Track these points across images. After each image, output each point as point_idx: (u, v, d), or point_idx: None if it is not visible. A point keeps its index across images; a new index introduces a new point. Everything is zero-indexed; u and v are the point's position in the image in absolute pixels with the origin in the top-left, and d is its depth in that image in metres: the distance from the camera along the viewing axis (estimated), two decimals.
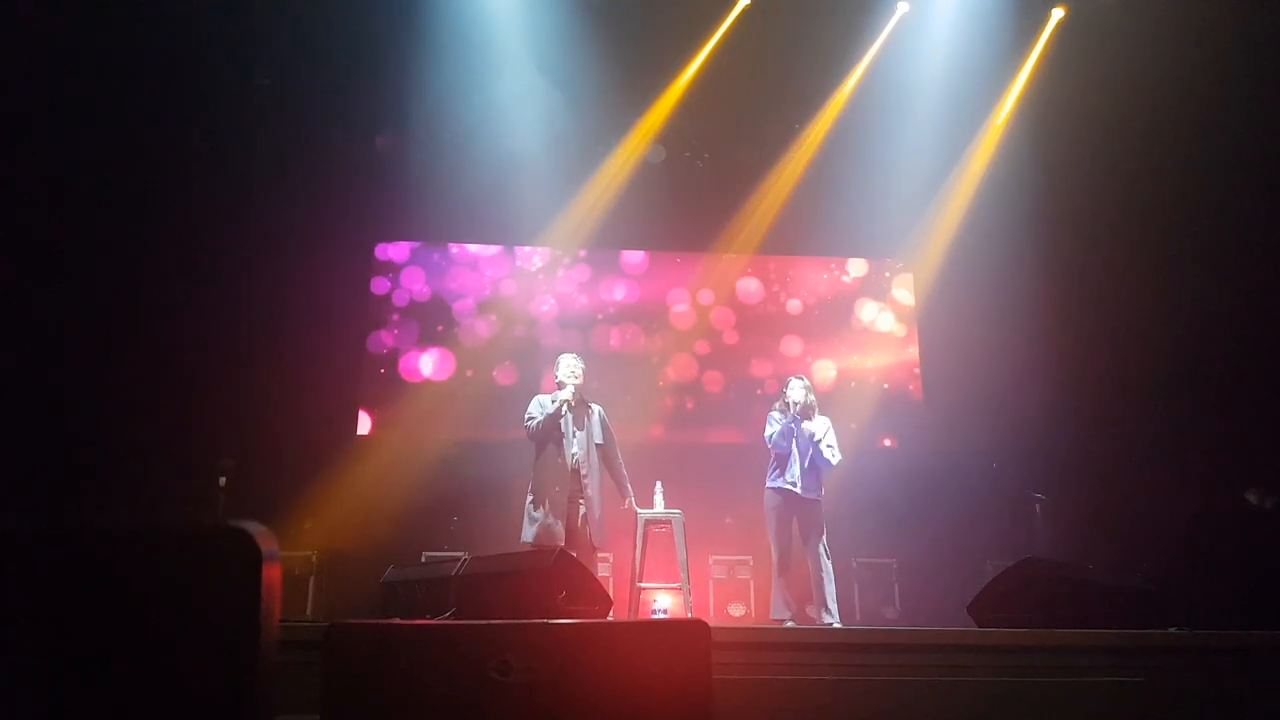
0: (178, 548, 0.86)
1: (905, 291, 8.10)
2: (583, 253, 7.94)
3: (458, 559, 4.29)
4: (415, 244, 7.86)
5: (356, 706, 1.28)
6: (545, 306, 7.83)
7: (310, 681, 1.41)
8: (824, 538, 5.33)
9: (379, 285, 7.73)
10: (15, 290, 6.01)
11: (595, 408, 5.23)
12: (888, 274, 8.16)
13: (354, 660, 1.31)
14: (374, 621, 1.40)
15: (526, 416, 5.09)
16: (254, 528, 0.86)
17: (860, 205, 7.49)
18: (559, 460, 4.98)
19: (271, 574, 0.87)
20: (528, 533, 4.94)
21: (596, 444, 5.10)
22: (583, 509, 4.98)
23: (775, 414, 5.51)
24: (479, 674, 1.32)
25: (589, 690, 1.32)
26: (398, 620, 3.98)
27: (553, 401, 5.07)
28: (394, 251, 7.85)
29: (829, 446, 5.40)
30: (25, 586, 0.84)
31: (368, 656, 1.32)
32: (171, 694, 0.83)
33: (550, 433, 5.00)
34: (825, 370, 7.85)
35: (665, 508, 5.51)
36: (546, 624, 1.35)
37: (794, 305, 8.05)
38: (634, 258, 8.03)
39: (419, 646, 1.35)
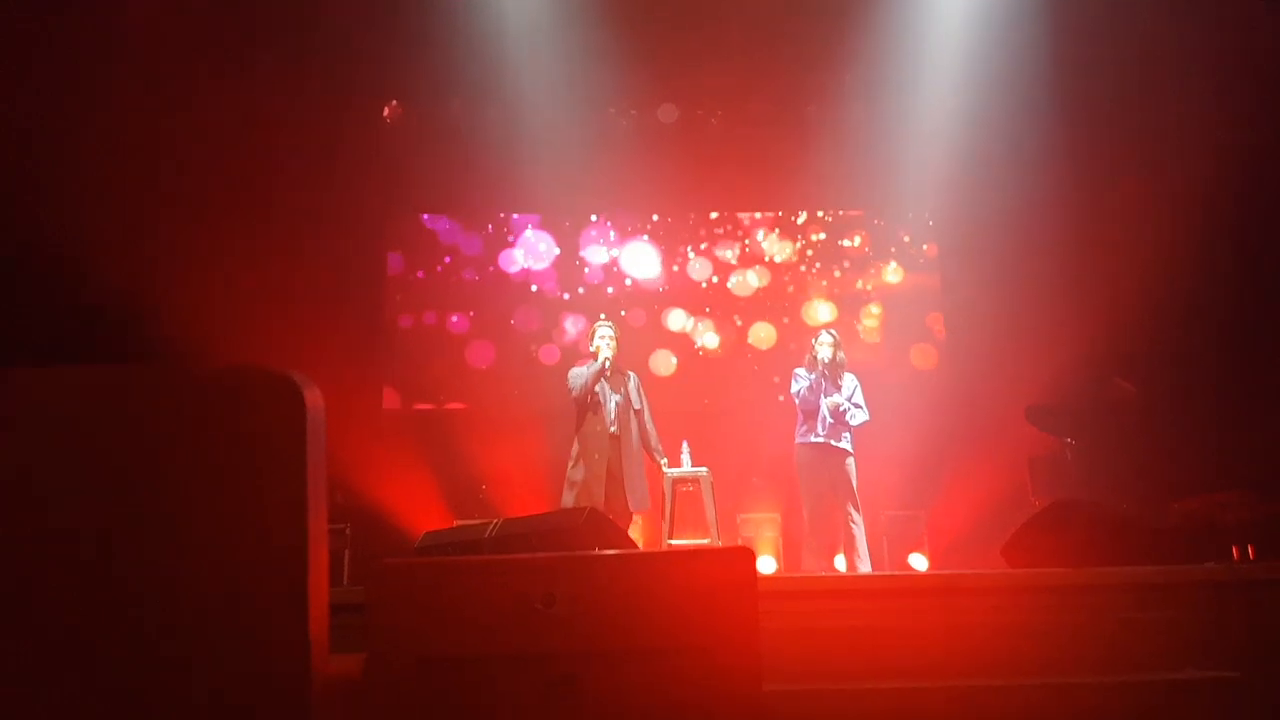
0: (220, 391, 0.81)
1: (927, 241, 8.01)
2: (596, 218, 7.91)
3: (490, 524, 4.32)
4: (430, 219, 7.86)
5: (402, 639, 1.30)
6: (551, 271, 7.81)
7: (349, 646, 1.42)
8: (855, 490, 5.33)
9: (395, 260, 7.75)
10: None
11: (630, 374, 5.36)
12: (909, 223, 8.06)
13: (401, 594, 1.33)
14: (420, 559, 1.41)
15: (569, 385, 5.21)
16: (299, 376, 0.81)
17: (879, 157, 7.40)
18: (599, 427, 5.12)
19: (316, 419, 0.81)
20: (567, 497, 5.05)
21: (635, 410, 5.23)
22: (622, 473, 5.11)
23: (801, 370, 5.53)
24: (522, 606, 1.33)
25: (634, 617, 1.33)
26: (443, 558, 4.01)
27: (588, 369, 5.20)
28: (410, 225, 7.86)
29: (857, 406, 5.40)
30: (65, 425, 0.78)
31: (414, 591, 1.34)
32: (217, 537, 0.78)
33: (592, 397, 5.14)
34: (847, 325, 7.81)
35: (692, 466, 5.55)
36: (591, 555, 1.35)
37: (814, 261, 7.99)
38: (650, 220, 7.98)
39: (464, 579, 1.36)
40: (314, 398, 0.83)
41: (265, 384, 0.81)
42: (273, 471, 0.80)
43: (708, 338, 7.77)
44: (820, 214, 8.03)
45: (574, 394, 5.16)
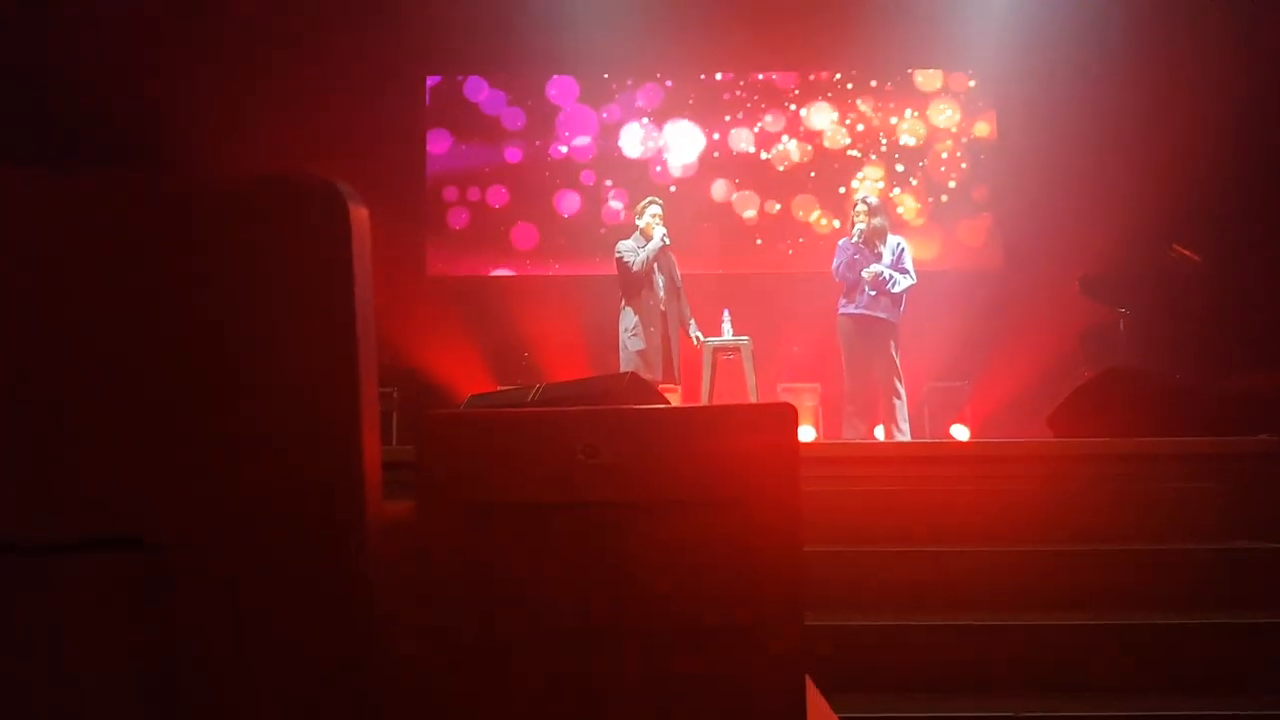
0: (252, 201, 0.74)
1: (982, 105, 7.59)
2: (641, 102, 7.60)
3: (534, 387, 4.40)
4: (471, 90, 7.62)
5: (449, 485, 1.33)
6: (592, 148, 7.58)
7: (399, 499, 1.46)
8: (897, 360, 5.30)
9: (438, 135, 7.58)
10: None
11: (670, 253, 5.48)
12: (966, 86, 7.62)
13: (448, 443, 1.35)
14: (466, 410, 1.42)
15: (626, 259, 5.31)
16: (344, 186, 0.73)
17: (936, 16, 6.96)
18: (653, 301, 5.34)
19: (362, 233, 0.75)
20: (626, 366, 5.25)
21: (677, 286, 5.48)
22: (671, 347, 5.36)
23: (842, 242, 5.47)
24: (566, 457, 1.34)
25: (677, 470, 1.33)
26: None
27: (640, 247, 5.34)
28: (452, 97, 7.64)
29: (902, 272, 5.30)
30: (86, 244, 0.73)
31: (460, 440, 1.36)
32: (259, 351, 0.74)
33: (647, 272, 5.33)
34: (898, 196, 7.55)
35: (733, 336, 5.56)
36: (633, 409, 1.35)
37: (862, 127, 7.64)
38: (693, 90, 7.64)
39: (508, 430, 1.38)
40: (359, 211, 0.77)
41: (305, 190, 0.75)
42: (318, 285, 0.75)
43: (749, 212, 7.58)
44: (862, 102, 7.61)
45: (634, 269, 5.29)
